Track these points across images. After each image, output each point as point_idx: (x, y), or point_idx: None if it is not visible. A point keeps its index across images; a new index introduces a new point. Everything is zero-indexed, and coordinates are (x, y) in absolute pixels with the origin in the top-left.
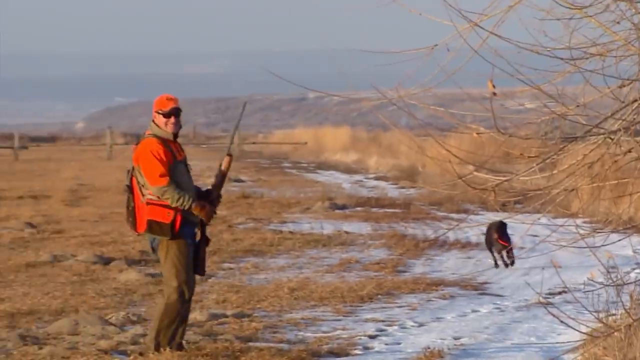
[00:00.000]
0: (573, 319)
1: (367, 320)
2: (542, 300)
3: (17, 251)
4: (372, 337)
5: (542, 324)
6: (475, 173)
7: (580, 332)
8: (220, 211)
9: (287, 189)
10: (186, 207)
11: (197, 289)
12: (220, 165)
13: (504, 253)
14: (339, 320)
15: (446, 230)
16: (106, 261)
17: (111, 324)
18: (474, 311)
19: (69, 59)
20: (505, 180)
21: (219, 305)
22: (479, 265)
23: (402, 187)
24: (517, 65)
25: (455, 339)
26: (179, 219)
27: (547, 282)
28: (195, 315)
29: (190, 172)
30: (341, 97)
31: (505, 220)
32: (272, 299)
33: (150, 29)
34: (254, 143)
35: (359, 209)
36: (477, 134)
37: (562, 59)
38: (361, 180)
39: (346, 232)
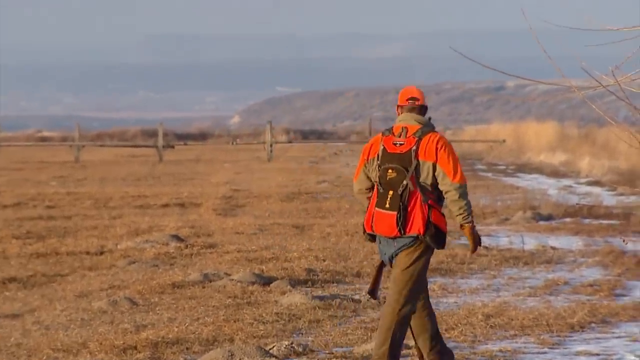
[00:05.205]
0: None
1: (578, 354)
2: None
3: (161, 269)
4: None
5: None
6: None
7: None
8: None
9: (481, 195)
10: (469, 219)
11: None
12: None
13: None
14: (544, 353)
15: None
16: (266, 281)
17: (272, 355)
18: None
19: (222, 41)
20: None
21: None
22: None
23: (621, 194)
24: None
25: None
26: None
27: None
28: (369, 346)
29: None
30: (547, 85)
31: None
32: (464, 327)
33: (319, 6)
34: None
35: (567, 219)
36: None
37: None
38: (571, 186)
39: (552, 248)
